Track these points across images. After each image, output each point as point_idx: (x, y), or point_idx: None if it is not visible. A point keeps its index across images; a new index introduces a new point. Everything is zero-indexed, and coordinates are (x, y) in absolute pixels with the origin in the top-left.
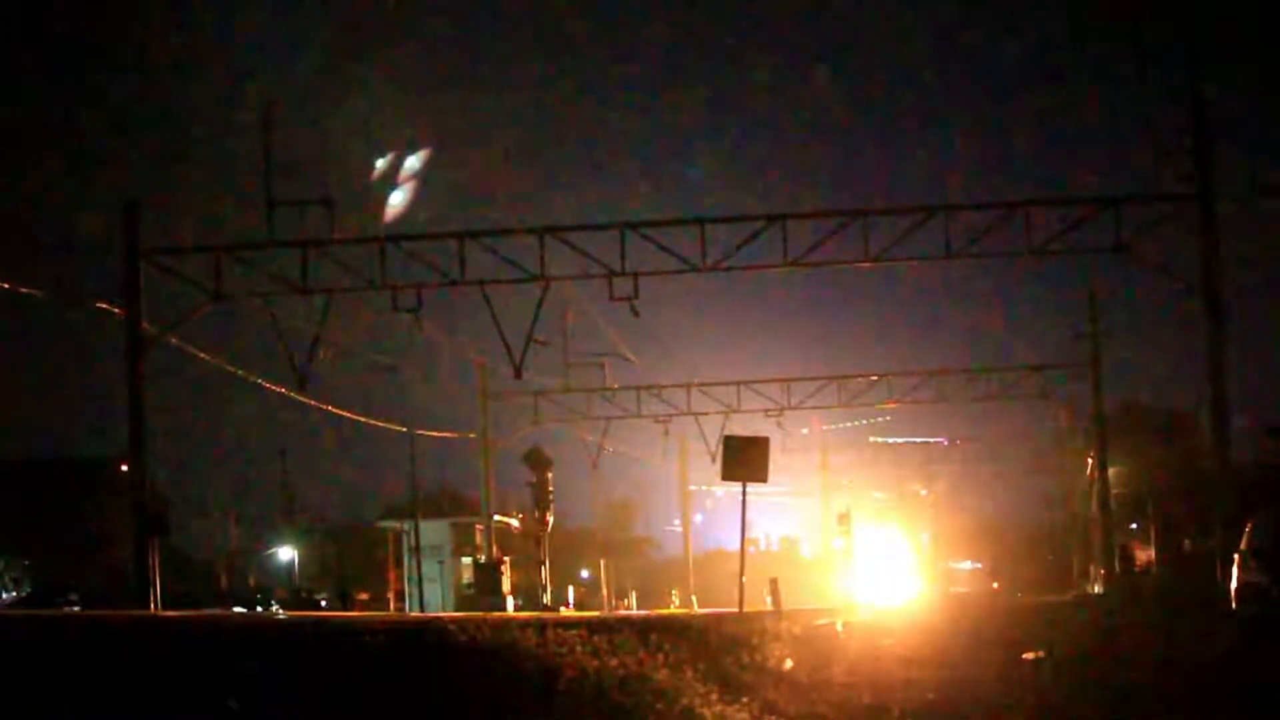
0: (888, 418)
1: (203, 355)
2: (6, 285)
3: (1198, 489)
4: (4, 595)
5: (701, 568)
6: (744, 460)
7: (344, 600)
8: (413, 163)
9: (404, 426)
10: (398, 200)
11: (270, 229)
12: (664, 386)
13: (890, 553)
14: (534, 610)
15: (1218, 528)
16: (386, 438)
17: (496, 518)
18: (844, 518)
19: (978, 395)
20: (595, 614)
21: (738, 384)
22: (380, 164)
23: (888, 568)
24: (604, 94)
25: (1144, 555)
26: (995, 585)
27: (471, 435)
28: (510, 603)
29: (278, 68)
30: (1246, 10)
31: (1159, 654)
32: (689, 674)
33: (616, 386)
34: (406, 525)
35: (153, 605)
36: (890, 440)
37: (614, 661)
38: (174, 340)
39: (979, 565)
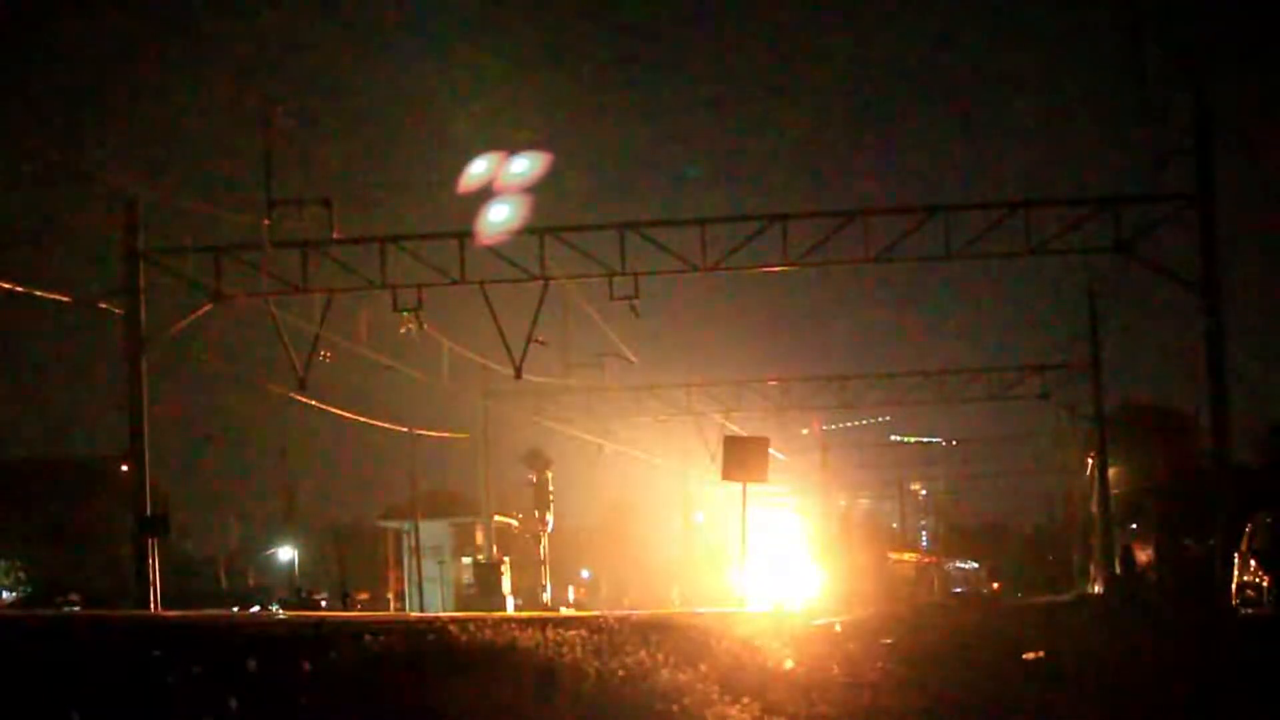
0: (887, 418)
1: (203, 356)
2: (6, 285)
3: (1198, 489)
4: (4, 595)
5: (702, 568)
6: (744, 460)
7: (344, 600)
8: (523, 167)
9: (404, 426)
10: (501, 216)
11: (271, 229)
12: (664, 386)
13: (781, 544)
14: (534, 610)
15: (1218, 528)
16: (386, 438)
17: (496, 518)
18: (845, 517)
19: (978, 395)
20: (595, 614)
21: (738, 384)
22: (479, 167)
23: (778, 564)
24: (604, 94)
25: (1144, 555)
26: (996, 585)
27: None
28: (510, 603)
29: (279, 68)
30: (1247, 9)
31: (1159, 654)
32: (689, 674)
33: (616, 386)
34: (406, 525)
35: (153, 605)
36: (905, 439)
37: (614, 662)
38: (174, 340)
39: (978, 565)
